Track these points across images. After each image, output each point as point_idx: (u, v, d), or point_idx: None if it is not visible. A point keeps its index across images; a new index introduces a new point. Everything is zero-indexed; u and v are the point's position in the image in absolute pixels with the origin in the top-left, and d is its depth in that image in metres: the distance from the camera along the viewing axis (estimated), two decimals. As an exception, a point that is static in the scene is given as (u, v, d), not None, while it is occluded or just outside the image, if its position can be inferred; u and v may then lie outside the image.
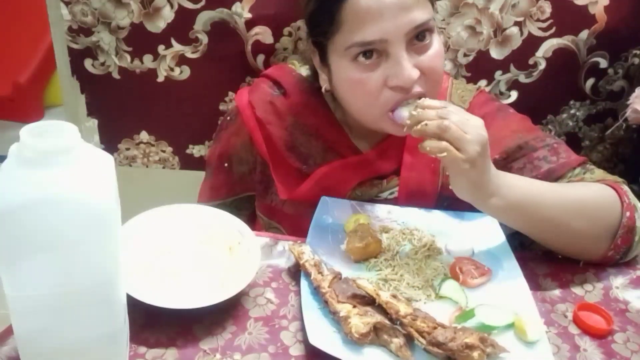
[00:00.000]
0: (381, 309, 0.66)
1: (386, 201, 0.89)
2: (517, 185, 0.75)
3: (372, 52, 0.76)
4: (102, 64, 1.09)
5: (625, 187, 0.80)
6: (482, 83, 1.10)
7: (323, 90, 0.85)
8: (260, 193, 0.95)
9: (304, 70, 0.92)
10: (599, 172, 0.84)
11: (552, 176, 0.84)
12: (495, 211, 0.75)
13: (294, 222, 0.91)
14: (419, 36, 0.76)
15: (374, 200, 0.89)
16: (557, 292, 0.76)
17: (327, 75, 0.83)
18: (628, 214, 0.76)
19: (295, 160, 0.89)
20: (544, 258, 0.81)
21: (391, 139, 0.88)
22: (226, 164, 0.94)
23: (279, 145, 0.88)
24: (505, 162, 0.87)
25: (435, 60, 0.78)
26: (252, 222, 1.00)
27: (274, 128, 0.88)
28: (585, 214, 0.75)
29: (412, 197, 0.88)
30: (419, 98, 0.76)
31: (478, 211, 0.86)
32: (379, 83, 0.76)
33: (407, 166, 0.88)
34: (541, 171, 0.84)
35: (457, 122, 0.69)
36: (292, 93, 0.89)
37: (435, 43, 0.78)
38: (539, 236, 0.79)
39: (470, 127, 0.69)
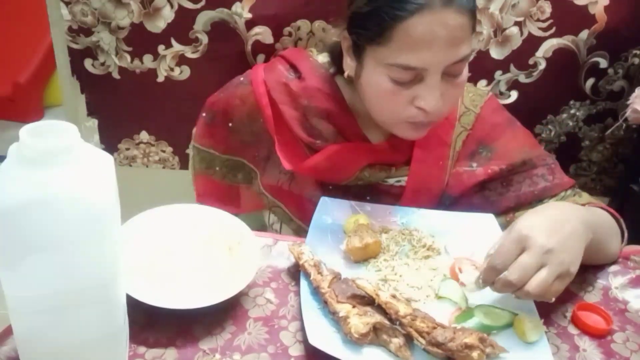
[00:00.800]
0: (381, 309, 0.66)
1: (392, 188, 0.90)
2: (591, 225, 0.72)
3: (410, 72, 0.76)
4: (102, 64, 1.09)
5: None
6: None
7: (345, 75, 0.86)
8: (263, 171, 0.95)
9: (321, 58, 0.93)
10: (586, 196, 0.89)
11: (547, 194, 0.88)
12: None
13: (298, 203, 0.93)
14: (454, 66, 0.76)
15: (380, 186, 0.90)
16: (556, 292, 0.76)
17: (356, 67, 0.83)
18: (620, 219, 0.83)
19: (307, 137, 0.89)
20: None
21: None
22: (230, 124, 0.93)
23: (292, 124, 0.89)
24: (508, 174, 0.90)
25: (459, 89, 0.81)
26: (249, 194, 0.99)
27: (286, 108, 0.89)
28: (613, 231, 0.81)
29: (419, 191, 0.90)
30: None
31: (478, 211, 0.86)
32: (407, 99, 0.78)
33: (417, 159, 0.90)
34: (538, 187, 0.88)
35: (521, 275, 0.64)
36: (307, 77, 0.90)
37: (464, 72, 0.79)
38: (594, 259, 0.79)
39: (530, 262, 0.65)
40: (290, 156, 0.90)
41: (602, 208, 0.84)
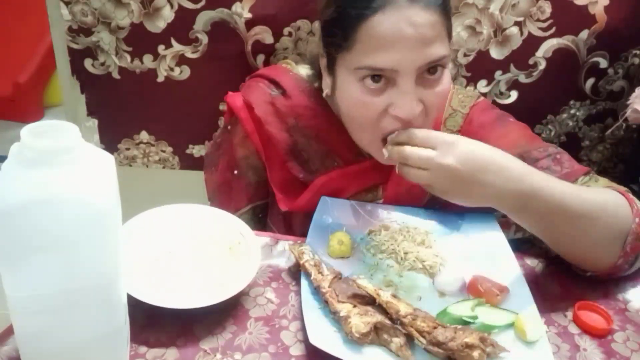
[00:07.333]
0: (381, 308, 0.66)
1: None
2: (543, 187, 0.70)
3: (380, 77, 0.73)
4: (102, 64, 1.09)
5: (631, 195, 0.76)
6: (482, 83, 1.10)
7: (324, 94, 0.83)
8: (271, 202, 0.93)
9: (302, 70, 0.90)
10: (604, 180, 0.80)
11: None
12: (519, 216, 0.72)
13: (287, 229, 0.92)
14: (430, 70, 0.73)
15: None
16: (556, 291, 0.76)
17: (332, 82, 0.81)
18: (637, 220, 0.72)
19: (295, 166, 0.87)
20: (544, 257, 0.81)
21: None
22: (236, 172, 0.91)
23: (280, 149, 0.87)
24: None
25: (440, 98, 0.76)
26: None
27: (274, 130, 0.86)
28: (603, 218, 0.72)
29: (400, 200, 0.87)
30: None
31: (477, 211, 0.86)
32: (380, 109, 0.74)
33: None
34: None
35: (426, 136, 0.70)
36: (292, 94, 0.87)
37: (445, 79, 0.75)
38: (555, 240, 0.75)
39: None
40: (285, 189, 0.88)
41: (622, 194, 0.74)
